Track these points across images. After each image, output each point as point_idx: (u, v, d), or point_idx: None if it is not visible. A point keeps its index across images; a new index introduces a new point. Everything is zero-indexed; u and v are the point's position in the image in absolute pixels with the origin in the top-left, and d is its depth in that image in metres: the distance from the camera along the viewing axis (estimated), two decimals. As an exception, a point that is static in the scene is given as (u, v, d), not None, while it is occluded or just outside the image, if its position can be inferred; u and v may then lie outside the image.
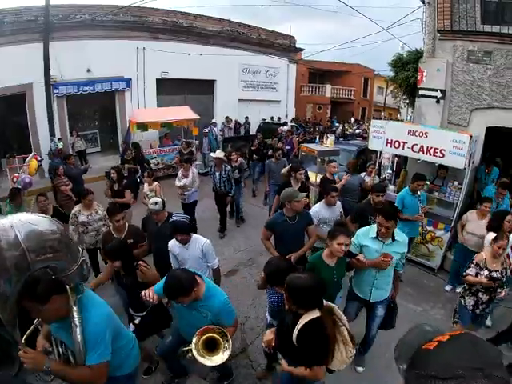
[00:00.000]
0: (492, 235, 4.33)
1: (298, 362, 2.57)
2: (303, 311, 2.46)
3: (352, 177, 6.92)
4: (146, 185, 7.14)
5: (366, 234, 3.73)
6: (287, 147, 12.06)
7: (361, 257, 3.64)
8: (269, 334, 2.87)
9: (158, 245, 4.54)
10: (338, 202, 5.26)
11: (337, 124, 20.59)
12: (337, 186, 7.63)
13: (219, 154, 7.52)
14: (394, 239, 3.59)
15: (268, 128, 16.32)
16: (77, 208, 5.39)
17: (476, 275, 3.95)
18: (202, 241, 3.94)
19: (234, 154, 8.28)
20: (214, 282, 3.46)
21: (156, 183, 7.06)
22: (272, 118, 19.12)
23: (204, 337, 2.77)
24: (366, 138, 16.30)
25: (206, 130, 13.35)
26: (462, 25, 6.59)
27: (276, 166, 7.95)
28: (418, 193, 5.63)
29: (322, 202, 5.11)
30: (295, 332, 2.43)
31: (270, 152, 10.55)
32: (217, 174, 7.34)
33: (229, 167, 7.51)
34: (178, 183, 7.22)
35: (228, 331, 2.85)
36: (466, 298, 4.11)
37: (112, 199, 6.46)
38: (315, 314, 2.44)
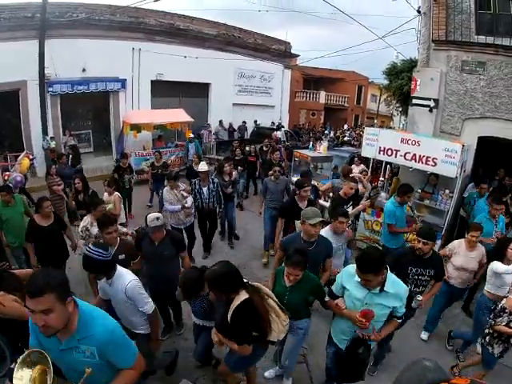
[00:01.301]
0: (498, 265, 4.07)
1: (233, 340, 2.87)
2: (233, 295, 2.75)
3: (345, 183, 6.91)
4: (105, 194, 6.29)
5: (350, 275, 3.05)
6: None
7: (340, 302, 3.14)
8: (214, 336, 3.03)
9: (154, 268, 4.10)
10: (347, 229, 4.59)
11: (326, 132, 20.66)
12: (320, 188, 7.75)
13: (204, 166, 6.43)
14: (382, 289, 2.87)
15: (261, 133, 16.36)
16: (88, 220, 4.85)
17: (508, 324, 3.44)
18: (126, 281, 3.05)
19: (227, 165, 7.15)
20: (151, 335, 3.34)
21: (116, 193, 6.25)
22: (273, 123, 19.25)
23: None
24: (353, 145, 16.47)
25: (192, 135, 12.93)
26: (456, 35, 6.69)
27: (275, 186, 6.72)
28: (409, 203, 5.64)
29: (327, 227, 4.39)
30: (229, 313, 2.72)
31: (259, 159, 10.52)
32: (204, 189, 6.35)
33: (216, 180, 6.62)
34: (170, 207, 6.03)
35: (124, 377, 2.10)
36: (495, 346, 3.62)
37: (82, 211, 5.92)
38: (244, 295, 2.74)
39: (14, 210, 5.25)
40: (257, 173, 10.60)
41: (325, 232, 4.27)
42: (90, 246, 3.08)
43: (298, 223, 4.72)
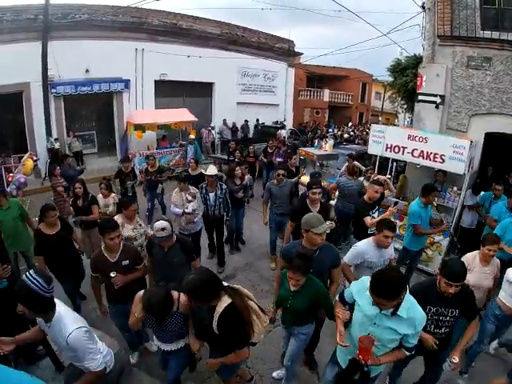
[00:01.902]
0: None
1: (222, 349, 2.83)
2: (215, 301, 2.63)
3: (351, 181, 6.86)
4: (99, 196, 5.99)
5: (363, 288, 2.67)
6: (278, 159, 10.09)
7: (341, 312, 2.84)
8: (195, 344, 3.00)
9: (164, 274, 3.81)
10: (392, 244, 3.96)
11: (330, 130, 20.55)
12: (327, 188, 7.69)
13: (212, 170, 5.97)
14: (395, 312, 2.47)
15: (266, 131, 16.30)
16: (119, 220, 4.52)
17: None
18: (68, 330, 2.41)
19: (238, 169, 6.69)
20: None
21: (113, 194, 6.06)
22: (276, 122, 19.20)
23: None
24: (357, 143, 16.38)
25: (192, 136, 12.64)
26: (461, 31, 6.60)
27: (279, 191, 6.14)
28: (434, 203, 5.46)
29: (370, 239, 3.87)
30: (215, 322, 2.61)
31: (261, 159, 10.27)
32: (211, 194, 5.96)
33: (225, 186, 6.18)
34: (176, 210, 5.64)
35: None
36: None
37: (77, 217, 5.66)
38: (226, 300, 2.64)
39: (6, 213, 5.03)
40: (256, 174, 10.30)
41: (365, 244, 3.82)
42: (31, 272, 2.40)
43: None
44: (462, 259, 3.73)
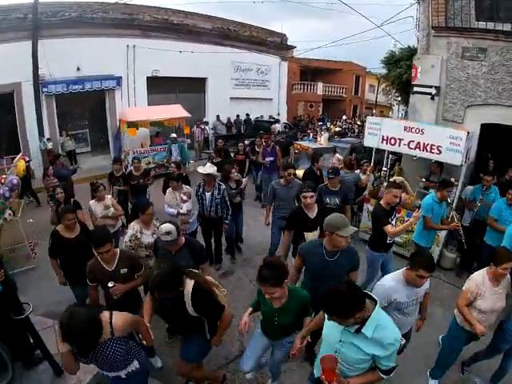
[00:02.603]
0: None
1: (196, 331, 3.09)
2: (182, 287, 2.80)
3: (348, 174, 6.84)
4: (92, 202, 5.59)
5: None
6: (269, 159, 8.99)
7: (309, 322, 2.86)
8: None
9: None
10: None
11: (320, 123, 20.33)
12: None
13: (209, 169, 5.61)
14: (359, 330, 2.22)
15: (260, 126, 16.21)
16: (136, 227, 4.33)
17: None
18: None
19: (233, 171, 6.19)
20: None
21: (109, 197, 5.76)
22: (269, 116, 19.09)
23: None
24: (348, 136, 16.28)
25: (174, 135, 11.24)
26: (456, 21, 6.55)
27: (286, 192, 5.55)
28: (448, 199, 5.35)
29: (398, 275, 3.12)
30: (188, 305, 2.83)
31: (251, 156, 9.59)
32: (207, 194, 5.58)
33: (223, 186, 5.79)
34: (170, 210, 5.50)
35: None
36: None
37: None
38: (190, 282, 2.88)
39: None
40: (245, 173, 9.27)
41: (393, 280, 3.09)
42: None
43: (309, 235, 4.26)
44: (468, 286, 3.38)
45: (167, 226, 3.44)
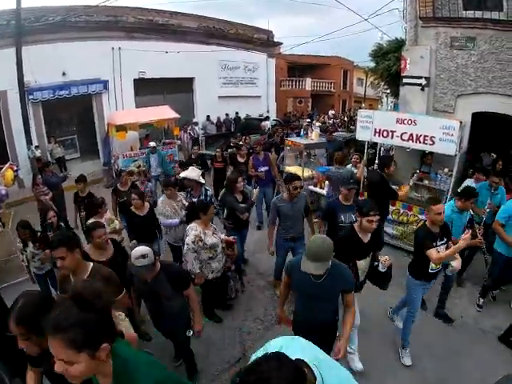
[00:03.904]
0: None
1: None
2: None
3: (339, 169, 6.75)
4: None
5: None
6: (262, 169, 7.48)
7: None
8: None
9: (152, 305, 3.40)
10: None
11: (308, 120, 19.85)
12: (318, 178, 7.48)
13: (191, 172, 5.34)
14: None
15: (249, 124, 16.11)
16: (198, 228, 4.06)
17: None
18: None
19: (240, 180, 5.32)
20: None
21: (107, 215, 5.18)
22: (261, 114, 18.98)
23: None
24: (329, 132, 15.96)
25: (152, 144, 9.94)
26: (444, 11, 6.52)
27: (290, 208, 4.72)
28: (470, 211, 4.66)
29: None
30: None
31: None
32: (194, 200, 5.26)
33: (210, 192, 5.51)
34: (170, 221, 5.09)
35: None
36: None
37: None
38: None
39: None
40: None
41: None
42: None
43: (361, 264, 3.56)
44: None
45: (142, 249, 2.99)
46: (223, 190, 5.58)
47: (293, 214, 4.74)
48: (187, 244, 4.07)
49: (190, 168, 5.66)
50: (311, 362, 1.47)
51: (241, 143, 9.13)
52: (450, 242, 3.77)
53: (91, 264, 3.02)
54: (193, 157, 9.22)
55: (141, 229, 5.00)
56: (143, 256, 2.95)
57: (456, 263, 3.57)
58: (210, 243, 4.12)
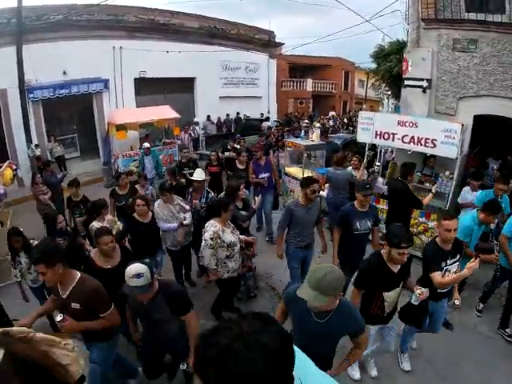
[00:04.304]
0: None
1: None
2: None
3: (338, 171, 6.71)
4: (95, 223, 4.61)
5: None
6: (263, 175, 6.92)
7: None
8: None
9: (147, 328, 3.21)
10: None
11: (306, 121, 19.52)
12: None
13: (200, 174, 5.37)
14: None
15: (250, 125, 16.08)
16: (217, 225, 3.92)
17: None
18: None
19: (242, 187, 5.15)
20: None
21: (109, 216, 4.98)
22: (262, 114, 19.00)
23: None
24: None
25: (146, 145, 9.42)
26: (446, 13, 6.51)
27: (306, 214, 4.47)
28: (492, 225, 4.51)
29: None
30: None
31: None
32: (194, 202, 5.33)
33: (212, 194, 5.49)
34: (168, 225, 4.84)
35: None
36: None
37: None
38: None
39: None
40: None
41: None
42: None
43: (389, 296, 3.21)
44: None
45: (137, 266, 2.66)
46: (221, 196, 5.28)
47: (308, 219, 4.47)
48: (205, 240, 3.99)
49: (197, 170, 5.66)
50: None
51: (239, 146, 8.89)
52: (472, 261, 3.12)
53: (78, 274, 2.84)
54: (183, 161, 8.62)
55: (145, 238, 4.64)
56: (138, 275, 2.62)
57: (425, 292, 3.06)
58: (229, 241, 4.03)
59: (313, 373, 1.34)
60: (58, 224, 4.63)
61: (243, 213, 5.02)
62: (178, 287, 3.33)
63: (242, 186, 5.11)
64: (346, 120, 21.89)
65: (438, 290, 3.40)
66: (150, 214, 4.83)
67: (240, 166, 7.42)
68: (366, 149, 7.29)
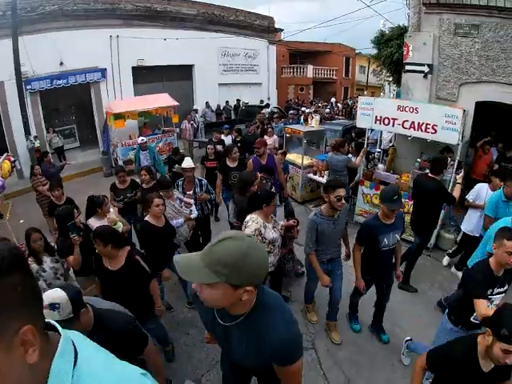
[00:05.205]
0: None
1: None
2: None
3: (337, 156, 6.71)
4: (92, 220, 4.41)
5: None
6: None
7: None
8: None
9: None
10: None
11: (303, 109, 19.09)
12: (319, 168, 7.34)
13: (189, 162, 5.17)
14: None
15: (250, 112, 15.93)
16: (259, 220, 3.66)
17: None
18: None
19: (257, 181, 4.61)
20: None
21: (112, 210, 4.73)
22: (262, 101, 18.74)
23: None
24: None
25: (143, 139, 8.56)
26: (447, -3, 6.36)
27: (332, 226, 3.75)
28: None
29: None
30: None
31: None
32: (189, 193, 5.05)
33: (205, 181, 5.25)
34: (174, 222, 4.49)
35: None
36: None
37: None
38: None
39: None
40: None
41: None
42: None
43: None
44: None
45: (53, 294, 1.98)
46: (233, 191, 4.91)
47: (335, 231, 3.77)
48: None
49: (186, 158, 5.42)
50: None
51: (220, 138, 8.38)
52: None
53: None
54: (175, 159, 7.50)
55: (161, 244, 4.00)
56: (52, 305, 1.92)
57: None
58: (270, 238, 3.70)
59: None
60: (76, 219, 3.98)
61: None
62: (123, 321, 2.33)
63: (257, 180, 4.59)
64: (340, 106, 21.39)
65: (472, 319, 2.90)
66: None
67: (231, 165, 6.08)
68: (372, 135, 7.23)
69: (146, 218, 4.08)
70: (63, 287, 2.06)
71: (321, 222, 3.66)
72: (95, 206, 4.44)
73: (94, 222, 4.28)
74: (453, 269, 5.57)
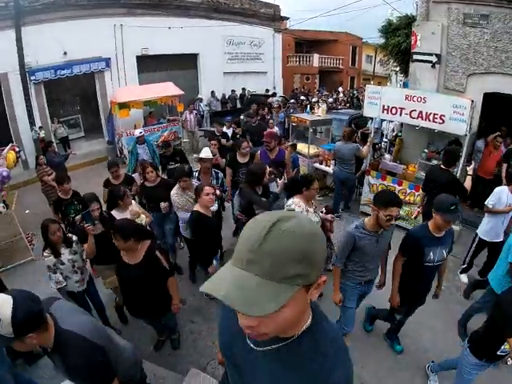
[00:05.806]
0: None
1: None
2: None
3: (345, 145, 6.67)
4: (114, 213, 4.26)
5: None
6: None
7: None
8: None
9: None
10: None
11: (309, 98, 18.71)
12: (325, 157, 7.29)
13: (208, 152, 4.91)
14: None
15: (255, 101, 15.83)
16: (302, 204, 3.61)
17: None
18: None
19: (268, 171, 4.50)
20: None
21: (134, 202, 4.62)
22: (268, 90, 18.71)
23: None
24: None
25: (140, 131, 8.00)
26: (456, -14, 6.23)
27: (375, 243, 3.19)
28: None
29: None
30: None
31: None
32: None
33: (221, 174, 5.02)
34: (186, 216, 4.32)
35: None
36: None
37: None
38: None
39: None
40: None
41: None
42: None
43: None
44: None
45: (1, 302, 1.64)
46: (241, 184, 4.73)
47: (377, 249, 3.25)
48: None
49: (204, 149, 5.09)
50: None
51: (222, 131, 7.91)
52: None
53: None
54: (167, 154, 6.79)
55: (212, 233, 4.03)
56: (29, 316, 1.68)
57: None
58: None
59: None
60: (91, 210, 3.88)
61: (263, 199, 4.43)
62: (85, 353, 1.83)
63: (268, 170, 4.47)
64: (343, 96, 20.63)
65: (499, 352, 2.68)
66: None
67: (241, 160, 5.60)
68: (373, 124, 7.19)
69: (196, 208, 3.94)
70: (21, 304, 1.65)
71: (361, 237, 3.13)
72: (116, 198, 4.25)
73: (116, 215, 4.16)
74: (462, 276, 5.28)
